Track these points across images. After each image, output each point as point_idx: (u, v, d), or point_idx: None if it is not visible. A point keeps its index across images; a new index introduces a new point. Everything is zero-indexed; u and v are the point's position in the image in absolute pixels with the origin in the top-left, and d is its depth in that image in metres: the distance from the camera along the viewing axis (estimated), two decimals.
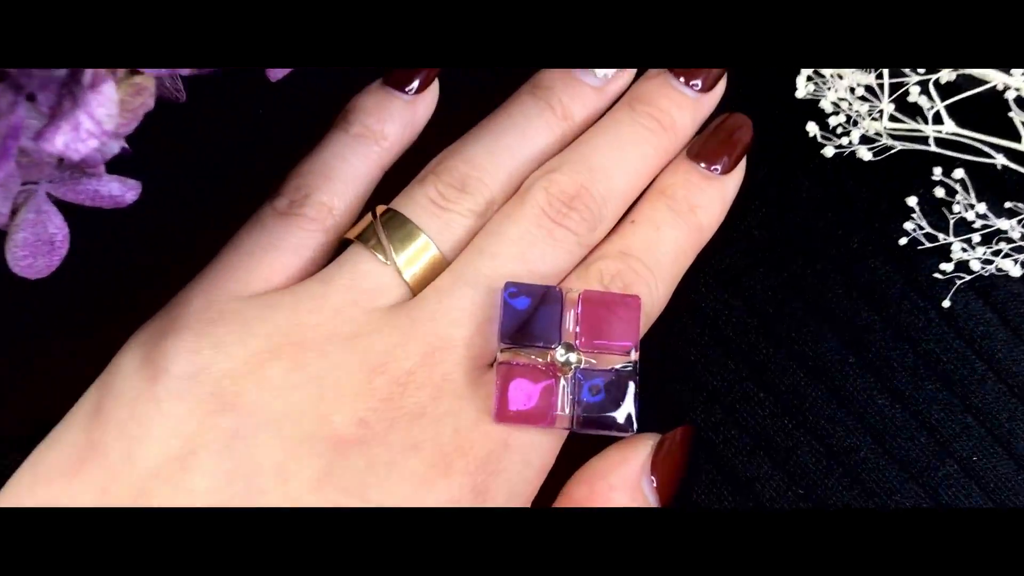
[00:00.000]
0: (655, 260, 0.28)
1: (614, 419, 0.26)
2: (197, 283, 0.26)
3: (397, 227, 0.27)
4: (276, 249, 0.26)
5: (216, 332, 0.25)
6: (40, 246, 0.22)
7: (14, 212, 0.22)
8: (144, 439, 0.24)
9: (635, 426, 0.26)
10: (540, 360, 0.26)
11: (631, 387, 0.26)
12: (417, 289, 0.26)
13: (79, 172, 0.23)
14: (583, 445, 0.27)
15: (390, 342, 0.25)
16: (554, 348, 0.26)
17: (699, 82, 0.29)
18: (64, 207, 0.22)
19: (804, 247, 0.32)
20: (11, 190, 0.21)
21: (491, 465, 0.25)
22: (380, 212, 0.27)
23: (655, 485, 0.26)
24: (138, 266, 0.27)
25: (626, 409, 0.26)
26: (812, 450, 0.30)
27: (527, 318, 0.26)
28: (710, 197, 0.29)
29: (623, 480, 0.26)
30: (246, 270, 0.26)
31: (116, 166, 0.22)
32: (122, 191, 0.22)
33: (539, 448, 0.25)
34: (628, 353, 0.26)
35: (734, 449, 0.29)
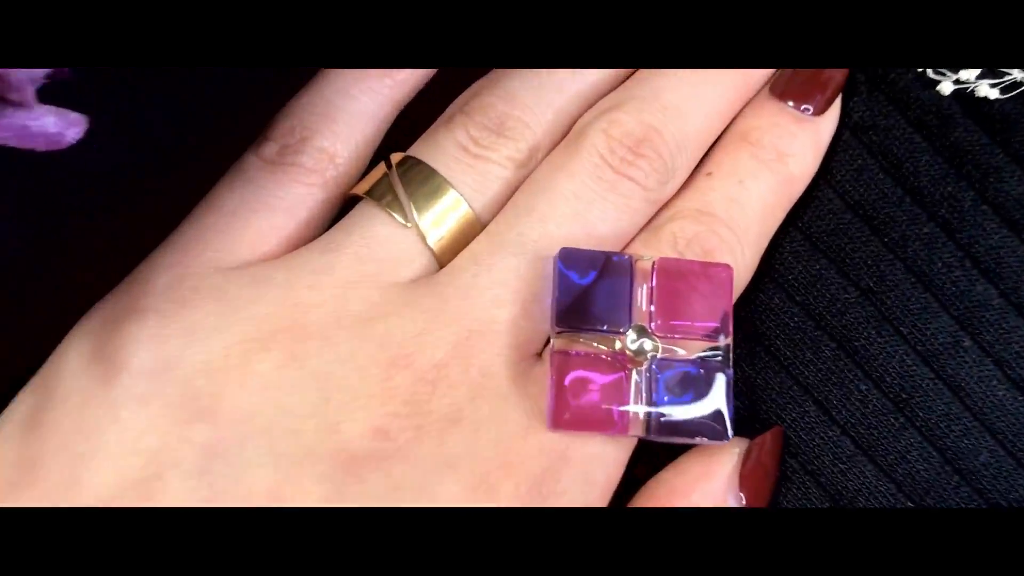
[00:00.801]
0: (740, 220, 0.24)
1: (703, 423, 0.22)
2: (163, 253, 0.22)
3: (419, 180, 0.23)
4: (265, 208, 0.23)
5: (188, 315, 0.21)
6: None
7: None
8: (94, 457, 0.20)
9: (730, 432, 0.22)
10: (605, 348, 0.22)
11: (722, 381, 0.22)
12: (445, 259, 0.23)
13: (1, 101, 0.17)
14: (651, 453, 0.24)
15: (414, 327, 0.21)
16: (623, 333, 0.22)
17: None
18: None
19: (908, 206, 0.27)
20: None
21: (546, 485, 0.21)
22: (397, 161, 0.23)
23: (743, 503, 0.23)
24: (84, 231, 0.22)
25: (717, 410, 0.22)
26: (924, 454, 0.26)
27: (587, 294, 0.22)
28: (802, 143, 0.25)
29: (706, 499, 0.23)
30: (227, 235, 0.22)
31: (53, 93, 0.18)
32: (61, 128, 0.18)
33: (605, 461, 0.22)
34: (716, 337, 0.22)
35: (832, 455, 0.26)
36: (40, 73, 0.18)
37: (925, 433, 0.26)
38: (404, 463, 0.20)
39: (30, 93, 0.18)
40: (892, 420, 0.26)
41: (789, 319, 0.26)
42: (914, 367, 0.26)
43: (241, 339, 0.21)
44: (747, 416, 0.26)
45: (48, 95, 0.18)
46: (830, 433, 0.26)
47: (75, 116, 0.19)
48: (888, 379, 0.26)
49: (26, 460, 0.20)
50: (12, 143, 0.18)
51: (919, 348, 0.26)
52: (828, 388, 0.26)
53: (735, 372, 0.25)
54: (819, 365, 0.26)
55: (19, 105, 0.18)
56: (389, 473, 0.20)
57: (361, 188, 0.23)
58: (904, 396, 0.26)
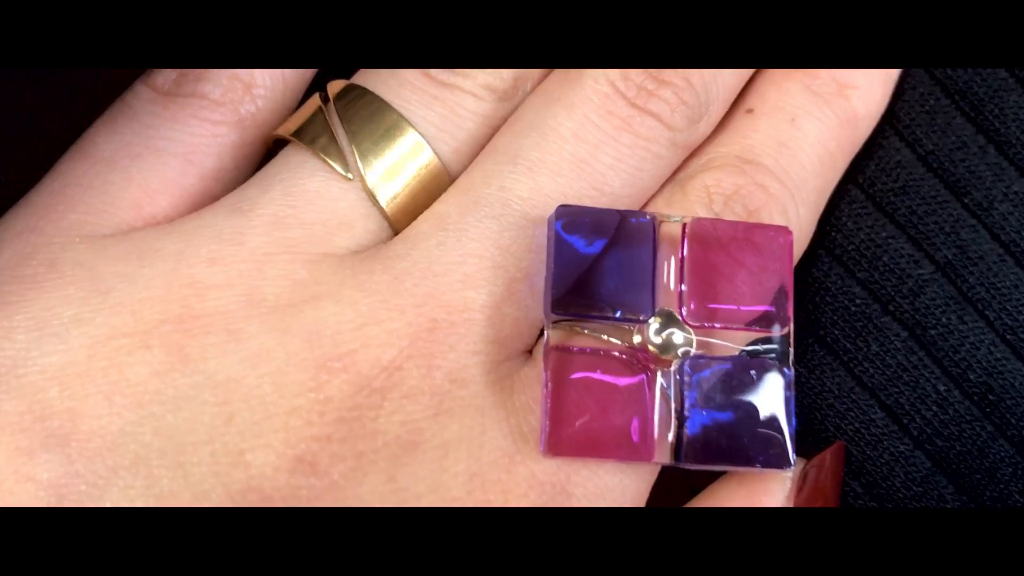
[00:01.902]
0: (792, 170, 0.20)
1: (754, 445, 0.17)
2: (13, 216, 0.19)
3: (366, 116, 0.19)
4: (153, 154, 0.19)
5: (40, 300, 0.17)
6: None
7: None
8: None
9: (792, 456, 0.17)
10: (619, 343, 0.18)
11: (779, 385, 0.17)
12: (400, 223, 0.19)
13: None
14: (681, 481, 0.19)
15: (355, 315, 0.17)
16: (644, 321, 0.17)
17: None
18: None
19: (992, 158, 0.24)
20: None
21: None
22: (335, 92, 0.19)
23: None
24: None
25: (775, 425, 0.17)
26: (1018, 472, 0.23)
27: (595, 269, 0.17)
28: (867, 75, 0.22)
29: None
30: (99, 192, 0.18)
31: None
32: None
33: (622, 495, 0.18)
34: (768, 326, 0.18)
35: (904, 474, 0.22)
36: None
37: (1019, 444, 0.22)
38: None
39: None
40: (978, 429, 0.22)
41: (849, 302, 0.23)
42: (1004, 361, 0.23)
43: (111, 333, 0.16)
44: (798, 428, 0.22)
45: None
46: (901, 447, 0.22)
47: None
48: (972, 377, 0.23)
49: None
50: None
51: (1009, 337, 0.23)
52: (898, 389, 0.22)
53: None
54: (887, 360, 0.22)
55: None
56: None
57: (287, 128, 0.19)
58: (991, 399, 0.23)
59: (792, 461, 0.17)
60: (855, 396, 0.22)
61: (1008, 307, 0.23)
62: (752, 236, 0.18)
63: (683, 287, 0.17)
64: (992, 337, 0.23)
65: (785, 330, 0.18)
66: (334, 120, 0.18)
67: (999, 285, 0.23)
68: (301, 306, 0.17)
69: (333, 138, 0.18)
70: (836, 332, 0.22)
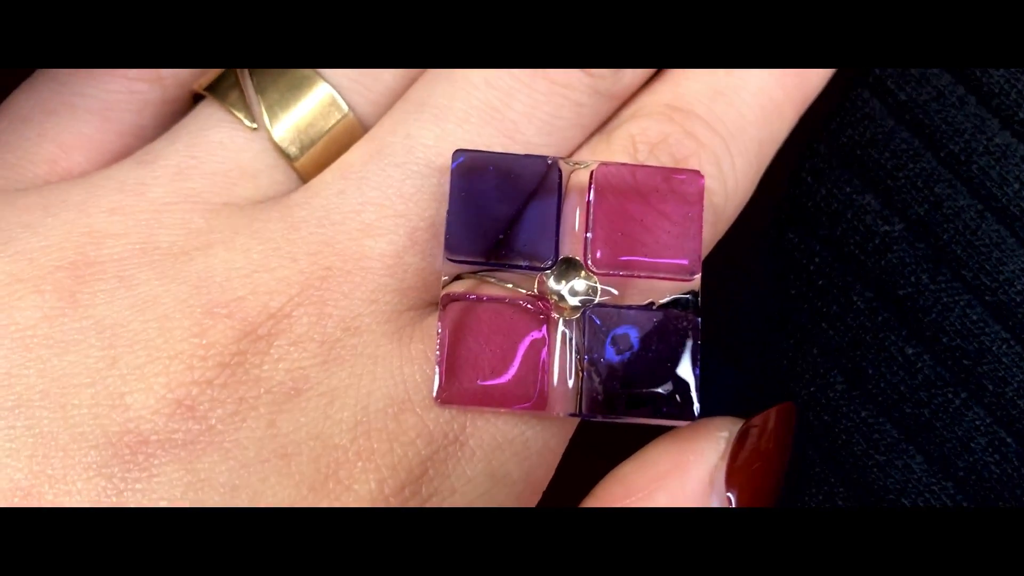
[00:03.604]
0: (728, 119, 0.19)
1: (659, 396, 0.16)
2: None
3: (277, 72, 0.18)
4: (68, 110, 0.18)
5: None
6: None
7: None
8: None
9: (696, 406, 0.16)
10: (522, 291, 0.17)
11: (689, 338, 0.16)
12: (310, 174, 0.18)
13: None
14: (603, 434, 0.18)
15: (245, 262, 0.17)
16: (547, 269, 0.17)
17: None
18: None
19: (972, 108, 0.22)
20: None
21: (428, 484, 0.16)
22: None
23: (734, 505, 0.18)
24: None
25: (680, 378, 0.16)
26: (994, 442, 0.21)
27: (498, 215, 0.17)
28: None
29: (676, 500, 0.18)
30: (14, 148, 0.18)
31: None
32: None
33: (524, 447, 0.17)
34: (686, 277, 0.17)
35: (866, 442, 0.21)
36: None
37: (996, 413, 0.21)
38: (214, 451, 0.15)
39: None
40: (950, 395, 0.21)
41: (808, 260, 0.22)
42: (981, 323, 0.21)
43: (6, 280, 0.16)
44: (749, 391, 0.21)
45: None
46: (864, 413, 0.21)
47: None
48: (945, 340, 0.21)
49: None
50: None
51: (988, 298, 0.21)
52: (861, 352, 0.21)
53: (723, 329, 0.21)
54: (848, 322, 0.21)
55: None
56: (191, 465, 0.15)
57: (201, 84, 0.19)
58: (967, 363, 0.21)
59: (696, 412, 0.16)
60: (812, 359, 0.21)
61: (987, 266, 0.21)
62: (671, 182, 0.17)
63: (589, 235, 0.16)
64: (968, 298, 0.21)
65: (696, 282, 0.17)
66: (244, 75, 0.18)
67: (976, 243, 0.21)
68: (193, 253, 0.16)
69: (243, 90, 0.18)
70: (792, 292, 0.21)
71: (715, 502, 0.18)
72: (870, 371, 0.21)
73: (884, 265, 0.21)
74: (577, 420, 0.17)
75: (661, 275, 0.17)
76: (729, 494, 0.18)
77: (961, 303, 0.21)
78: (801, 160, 0.22)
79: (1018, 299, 0.21)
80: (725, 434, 0.18)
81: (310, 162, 0.18)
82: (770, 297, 0.21)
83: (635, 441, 0.19)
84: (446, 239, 0.16)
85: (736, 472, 0.18)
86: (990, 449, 0.21)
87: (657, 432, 0.19)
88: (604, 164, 0.17)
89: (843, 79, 0.21)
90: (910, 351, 0.21)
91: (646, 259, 0.16)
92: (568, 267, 0.16)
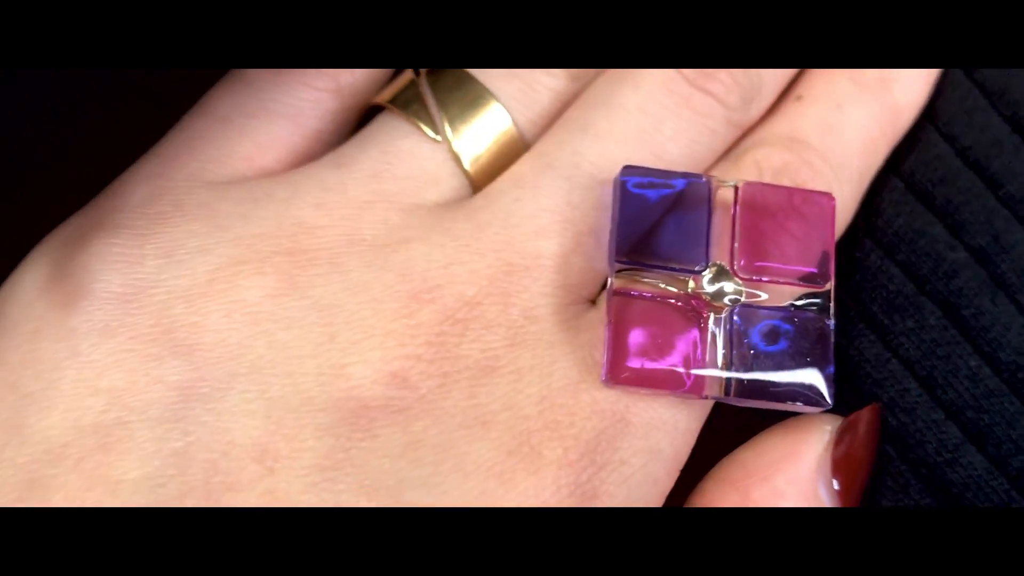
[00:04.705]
0: (837, 151, 0.21)
1: (796, 385, 0.18)
2: (144, 164, 0.20)
3: (454, 88, 0.20)
4: (265, 114, 0.20)
5: (168, 233, 0.18)
6: None
7: None
8: (45, 398, 0.17)
9: (829, 397, 0.18)
10: (675, 290, 0.18)
11: (822, 333, 0.18)
12: (481, 182, 0.20)
13: None
14: (727, 421, 0.20)
15: (442, 256, 0.18)
16: (699, 272, 0.18)
17: None
18: None
19: None
20: None
21: (602, 452, 0.17)
22: (426, 68, 0.20)
23: (838, 490, 0.20)
24: (50, 140, 0.19)
25: (815, 369, 0.18)
26: None
27: (657, 224, 0.18)
28: (909, 71, 0.22)
29: (792, 482, 0.19)
30: (218, 145, 0.19)
31: None
32: None
33: (674, 428, 0.18)
34: (815, 283, 0.19)
35: (936, 442, 0.22)
36: None
37: None
38: (426, 416, 0.17)
39: None
40: (1006, 404, 0.23)
41: (888, 281, 0.23)
42: None
43: (229, 262, 0.18)
44: (840, 392, 0.22)
45: None
46: (934, 416, 0.22)
47: None
48: (1002, 355, 0.23)
49: None
50: None
51: None
52: (932, 363, 0.23)
53: None
54: (922, 336, 0.23)
55: None
56: (407, 428, 0.17)
57: (384, 96, 0.20)
58: (1021, 376, 0.23)
59: (829, 401, 0.18)
60: (891, 368, 0.23)
61: None
62: (803, 201, 0.19)
63: (735, 244, 0.18)
64: (1022, 321, 0.23)
65: (829, 286, 0.19)
66: (425, 90, 0.19)
67: None
68: (395, 246, 0.18)
69: (424, 105, 0.19)
70: (874, 308, 0.23)
71: (822, 487, 0.19)
72: (939, 380, 0.22)
73: (952, 288, 0.23)
74: (711, 407, 0.19)
75: (796, 281, 0.18)
76: (835, 479, 0.19)
77: (1016, 325, 0.23)
78: (880, 190, 0.23)
79: None
80: (829, 427, 0.20)
81: (479, 170, 0.19)
82: (853, 312, 0.23)
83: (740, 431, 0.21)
84: (616, 243, 0.18)
85: (842, 461, 0.20)
86: None
87: (746, 421, 0.20)
88: (748, 183, 0.19)
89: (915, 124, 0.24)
90: (973, 363, 0.23)
91: (785, 266, 0.18)
92: (720, 271, 0.18)
